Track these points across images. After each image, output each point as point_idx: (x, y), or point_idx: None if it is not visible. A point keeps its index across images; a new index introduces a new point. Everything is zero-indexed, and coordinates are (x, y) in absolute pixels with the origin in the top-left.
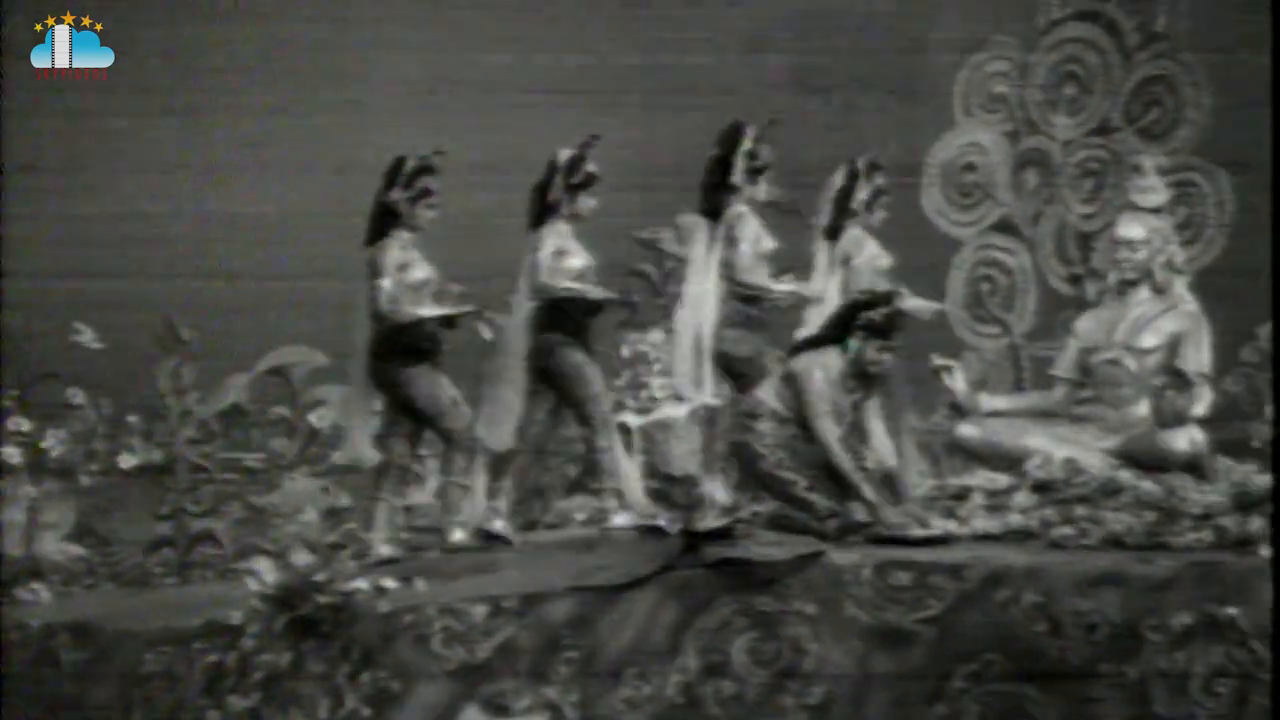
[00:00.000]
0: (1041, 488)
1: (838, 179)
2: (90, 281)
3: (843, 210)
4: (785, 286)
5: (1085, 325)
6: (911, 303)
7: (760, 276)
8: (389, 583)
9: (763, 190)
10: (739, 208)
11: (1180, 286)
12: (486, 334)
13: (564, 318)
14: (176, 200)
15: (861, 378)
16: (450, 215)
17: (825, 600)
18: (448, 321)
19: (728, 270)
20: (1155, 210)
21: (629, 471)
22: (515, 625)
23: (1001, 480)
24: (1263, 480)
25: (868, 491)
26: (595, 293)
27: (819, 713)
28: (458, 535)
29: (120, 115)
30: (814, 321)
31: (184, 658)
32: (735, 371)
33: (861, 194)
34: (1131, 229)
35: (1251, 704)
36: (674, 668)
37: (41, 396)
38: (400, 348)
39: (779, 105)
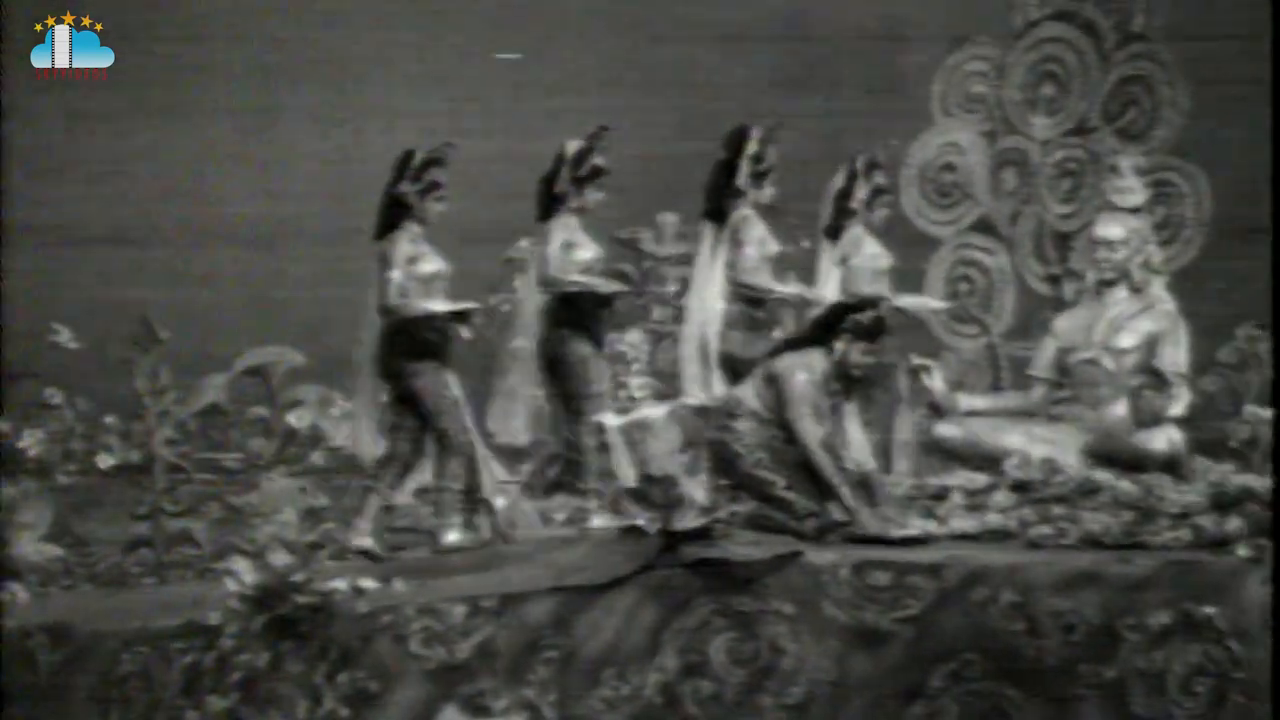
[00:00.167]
0: (1020, 487)
1: (838, 179)
2: (69, 281)
3: (842, 210)
4: (790, 289)
5: (1063, 325)
6: (910, 301)
7: (765, 279)
8: (367, 583)
9: (768, 193)
10: (744, 210)
11: (1158, 286)
12: (466, 334)
13: (573, 310)
14: (155, 201)
15: (844, 380)
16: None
17: (804, 600)
18: (459, 316)
19: (732, 273)
20: (1133, 210)
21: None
22: (494, 625)
23: (980, 480)
24: (1240, 480)
25: (847, 495)
26: (604, 285)
27: (797, 712)
28: (451, 537)
29: (120, 115)
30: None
31: (162, 658)
32: (740, 373)
33: (860, 193)
34: (1109, 229)
35: (1229, 703)
36: (652, 667)
37: (19, 396)
38: (408, 341)
39: (757, 104)
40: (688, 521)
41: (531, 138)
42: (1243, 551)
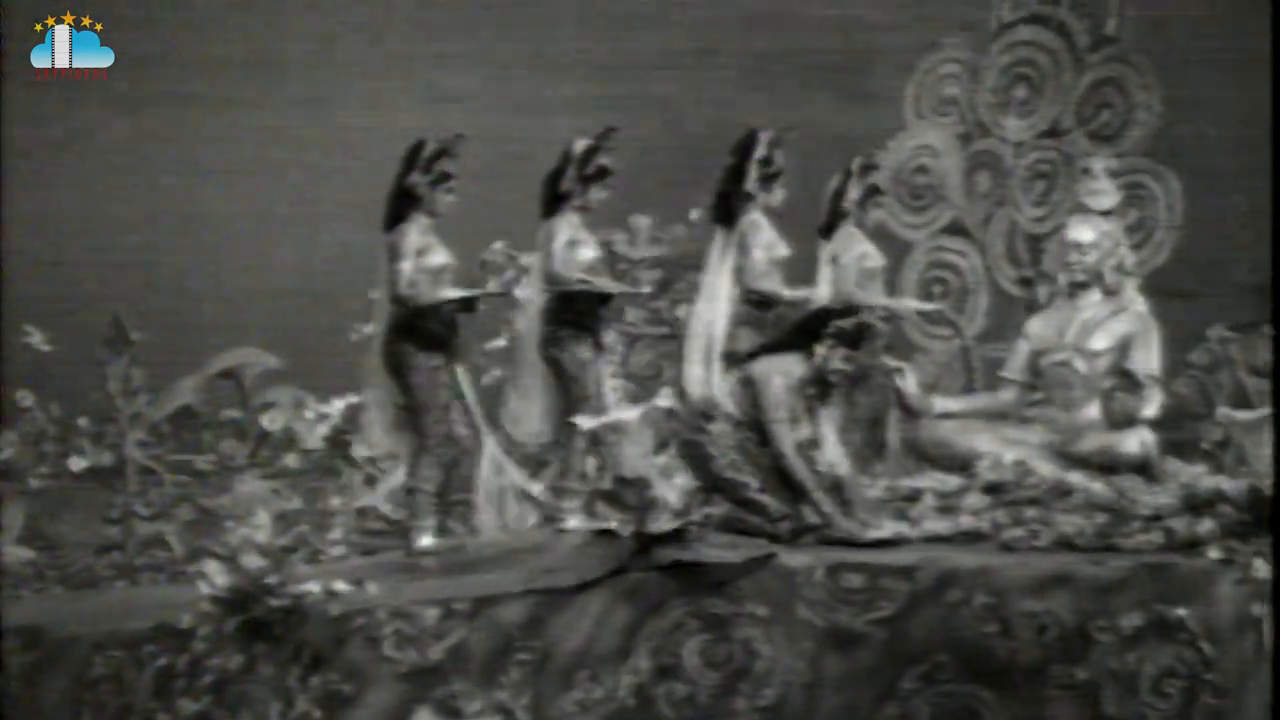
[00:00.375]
0: (992, 489)
1: (835, 180)
2: (40, 282)
3: (837, 210)
4: (798, 293)
5: (1036, 327)
6: (901, 303)
7: (772, 283)
8: (340, 585)
9: (777, 196)
10: (753, 215)
11: (1130, 289)
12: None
13: (574, 310)
14: (135, 202)
15: (820, 385)
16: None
17: (777, 602)
18: (468, 305)
19: (740, 276)
20: (1105, 213)
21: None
22: (467, 628)
23: (952, 482)
24: (1212, 482)
25: (821, 499)
26: (607, 285)
27: (771, 714)
28: (424, 540)
29: (120, 115)
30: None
31: (134, 661)
32: None
33: (853, 193)
34: (1082, 232)
35: (1200, 704)
36: (626, 669)
37: None
38: (415, 333)
39: (730, 106)
40: (661, 524)
41: (507, 131)
42: (1214, 553)
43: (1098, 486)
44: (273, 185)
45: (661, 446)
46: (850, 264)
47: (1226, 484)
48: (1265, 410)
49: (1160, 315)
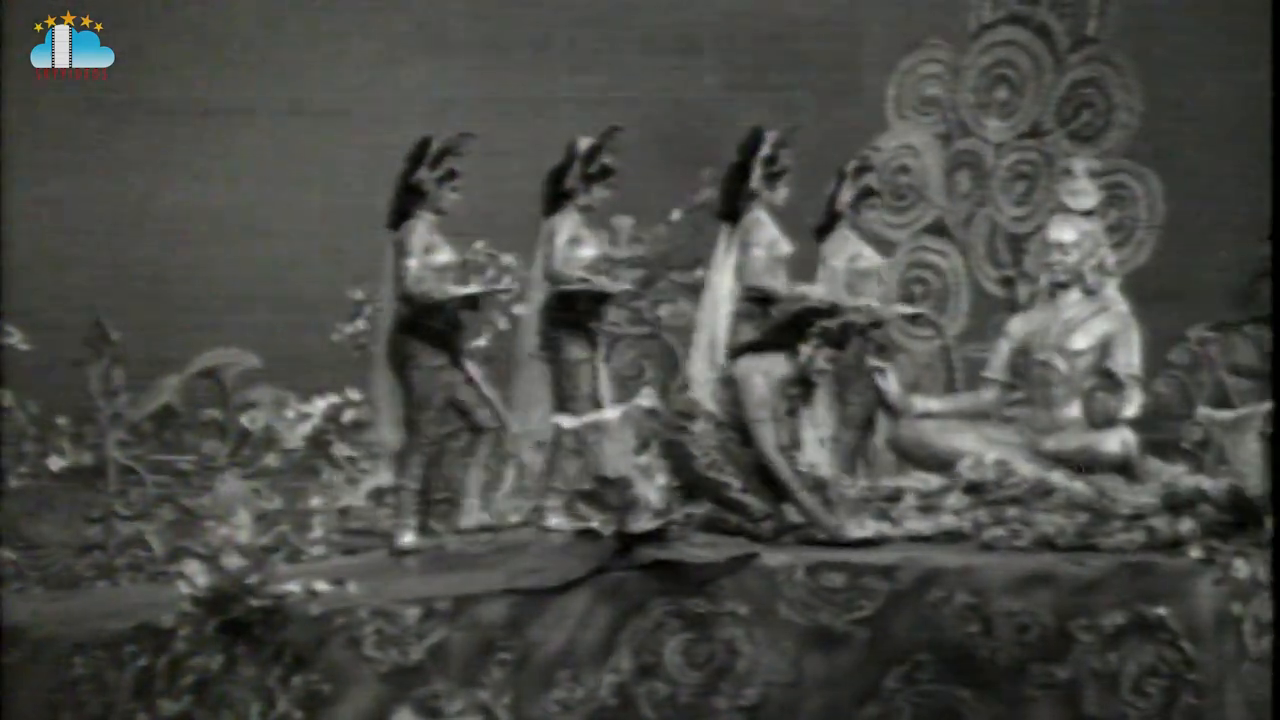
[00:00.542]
0: (973, 489)
1: (833, 181)
2: (21, 281)
3: (830, 211)
4: (795, 291)
5: (1017, 327)
6: (890, 308)
7: (772, 280)
8: (321, 585)
9: (781, 195)
10: (756, 213)
11: (1111, 289)
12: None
13: (572, 309)
14: (118, 202)
15: (802, 384)
16: None
17: (759, 602)
18: (471, 302)
19: (740, 273)
20: (1086, 213)
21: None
22: (448, 627)
23: (934, 482)
24: (1192, 481)
25: (804, 498)
26: (606, 284)
27: (752, 714)
28: (407, 539)
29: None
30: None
31: (114, 661)
32: None
33: (845, 195)
34: (1063, 232)
35: (1181, 703)
36: (607, 669)
37: None
38: (420, 331)
39: (711, 106)
40: (643, 523)
41: (488, 128)
42: (1195, 553)
43: (1079, 486)
44: (256, 186)
45: (643, 446)
46: (840, 266)
47: (1207, 483)
48: (1245, 410)
49: (1141, 315)
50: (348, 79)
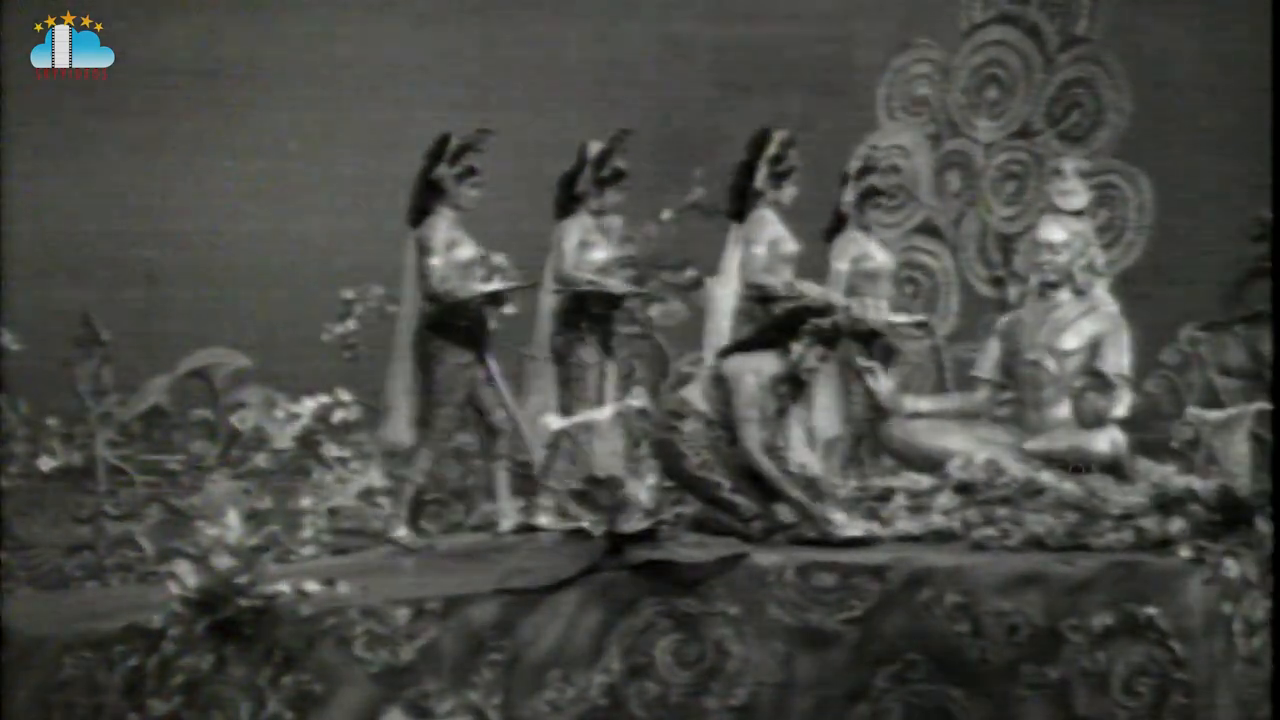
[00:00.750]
0: (963, 489)
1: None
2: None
3: (836, 213)
4: (792, 289)
5: (1008, 327)
6: (894, 316)
7: (769, 278)
8: (311, 586)
9: (788, 194)
10: (761, 211)
11: (1101, 289)
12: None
13: (588, 310)
14: (111, 202)
15: (793, 383)
16: None
17: (749, 602)
18: (495, 299)
19: (743, 273)
20: (1076, 213)
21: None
22: (438, 628)
23: (924, 481)
24: (1182, 481)
25: (794, 491)
26: (614, 285)
27: (742, 714)
28: (400, 532)
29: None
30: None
31: (104, 662)
32: None
33: (848, 196)
34: (1052, 232)
35: (1171, 703)
36: (598, 669)
37: None
38: (447, 329)
39: (702, 106)
40: (633, 523)
41: (477, 122)
42: (1184, 552)
43: (1069, 486)
44: (247, 186)
45: (635, 446)
46: (844, 268)
47: (1197, 483)
48: (1235, 410)
49: (1131, 315)
50: (343, 81)
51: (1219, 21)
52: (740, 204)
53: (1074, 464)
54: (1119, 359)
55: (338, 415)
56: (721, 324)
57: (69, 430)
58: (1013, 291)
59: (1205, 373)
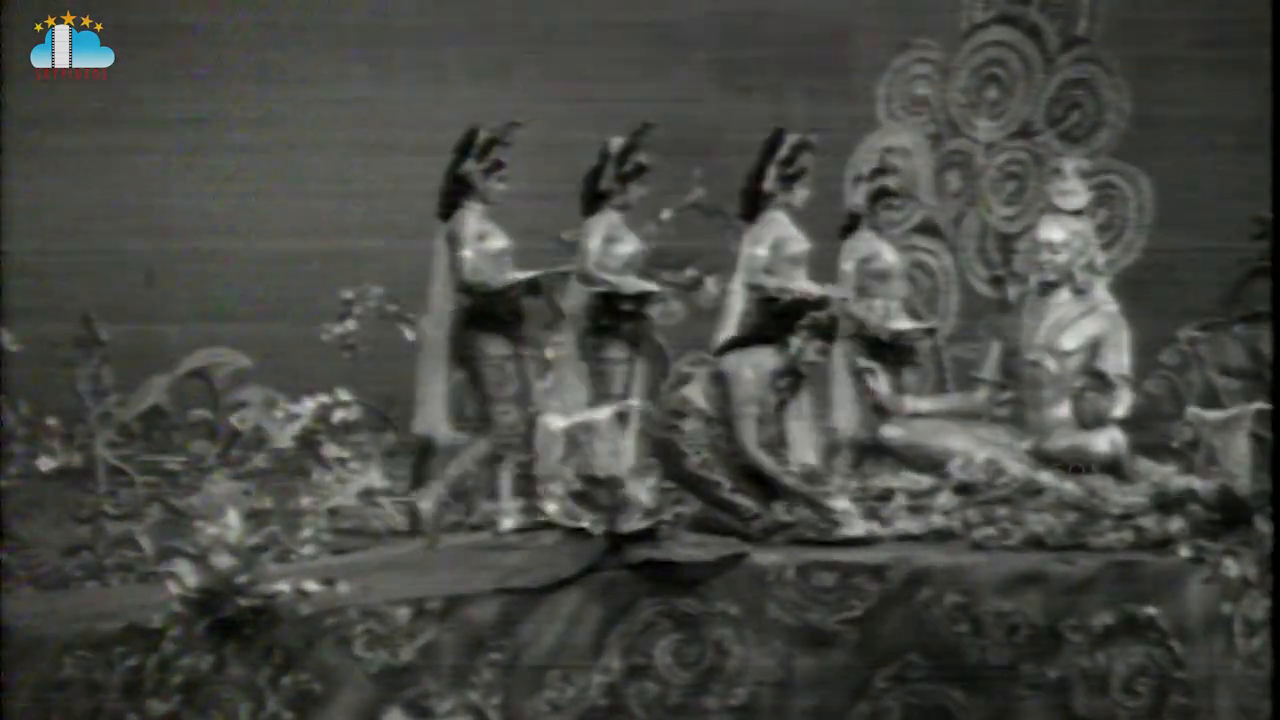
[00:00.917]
0: (963, 489)
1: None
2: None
3: (851, 213)
4: (798, 288)
5: (1009, 328)
6: (902, 323)
7: (766, 278)
8: (311, 585)
9: (799, 196)
10: (772, 213)
11: (1101, 289)
12: (409, 335)
13: (616, 308)
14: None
15: (792, 377)
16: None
17: (749, 601)
18: (533, 287)
19: (743, 274)
20: (1076, 213)
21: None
22: (438, 627)
23: (924, 481)
24: (1182, 481)
25: (792, 481)
26: (630, 284)
27: (742, 714)
28: (425, 504)
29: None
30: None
31: (103, 662)
32: None
33: (858, 197)
34: (1052, 231)
35: (1170, 703)
36: (597, 669)
37: None
38: (482, 320)
39: (701, 104)
40: (633, 523)
41: (474, 123)
42: (1184, 552)
43: (1069, 485)
44: (246, 187)
45: (635, 445)
46: (851, 269)
47: (1197, 483)
48: (1235, 410)
49: (1130, 315)
50: (340, 82)
51: (1218, 21)
52: (750, 206)
53: (1074, 464)
54: (1119, 359)
55: (338, 415)
56: (733, 325)
57: (69, 430)
58: (1013, 291)
59: (1205, 373)
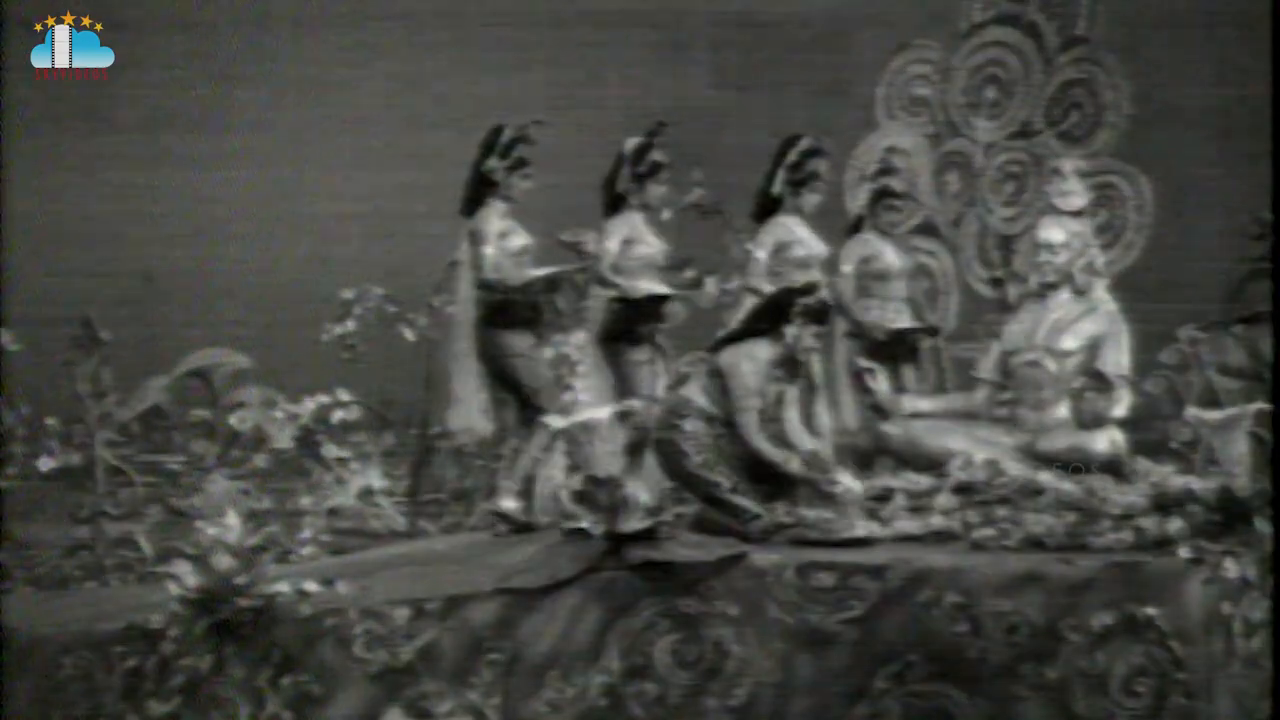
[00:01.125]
0: (963, 489)
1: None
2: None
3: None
4: (766, 289)
5: (1006, 327)
6: (903, 322)
7: (759, 281)
8: (310, 586)
9: (809, 201)
10: (780, 217)
11: (1100, 289)
12: (409, 335)
13: (636, 310)
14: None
15: (789, 366)
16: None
17: (748, 602)
18: (552, 284)
19: (742, 276)
20: (1075, 213)
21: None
22: (437, 628)
23: (923, 482)
24: (1181, 481)
25: (796, 466)
26: (637, 289)
27: (741, 714)
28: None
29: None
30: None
31: (103, 662)
32: None
33: (861, 197)
34: (1052, 232)
35: (1170, 703)
36: (597, 669)
37: None
38: (505, 317)
39: (701, 105)
40: (633, 523)
41: (470, 125)
42: (1184, 552)
43: (1068, 486)
44: (244, 187)
45: (635, 446)
46: (849, 269)
47: (1196, 483)
48: (1234, 410)
49: (1130, 315)
50: (339, 83)
51: (1218, 22)
52: (762, 209)
53: (1073, 464)
54: (1118, 359)
55: (337, 415)
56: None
57: (68, 430)
58: (1012, 292)
59: (1204, 373)
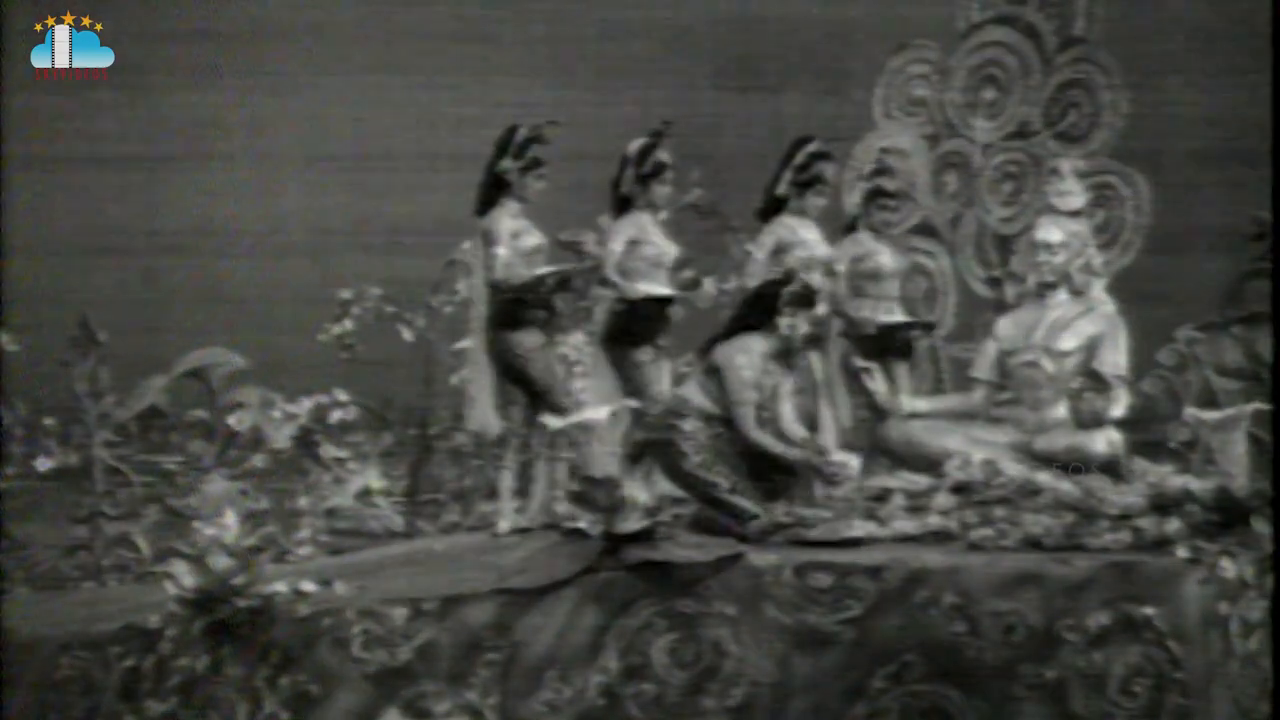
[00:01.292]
0: (961, 489)
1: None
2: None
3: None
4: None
5: (1004, 327)
6: (899, 319)
7: (754, 281)
8: (308, 586)
9: (813, 203)
10: (782, 218)
11: (1098, 289)
12: (406, 335)
13: (641, 311)
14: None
15: (784, 358)
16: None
17: (746, 602)
18: (563, 283)
19: (739, 277)
20: (1073, 213)
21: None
22: (435, 628)
23: (921, 482)
24: (1179, 481)
25: (796, 452)
26: (636, 290)
27: (739, 714)
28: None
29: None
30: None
31: (100, 662)
32: None
33: (854, 197)
34: (1050, 232)
35: (1168, 703)
36: (595, 669)
37: None
38: (515, 316)
39: (701, 104)
40: (630, 524)
41: (476, 129)
42: (1181, 553)
43: (1066, 486)
44: (243, 187)
45: (633, 446)
46: (842, 269)
47: (1194, 484)
48: (1232, 410)
49: (1128, 315)
50: (339, 86)
51: (1217, 22)
52: (767, 209)
53: (1071, 464)
54: (1116, 359)
55: (335, 415)
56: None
57: (66, 431)
58: (1010, 292)
59: (1203, 373)
